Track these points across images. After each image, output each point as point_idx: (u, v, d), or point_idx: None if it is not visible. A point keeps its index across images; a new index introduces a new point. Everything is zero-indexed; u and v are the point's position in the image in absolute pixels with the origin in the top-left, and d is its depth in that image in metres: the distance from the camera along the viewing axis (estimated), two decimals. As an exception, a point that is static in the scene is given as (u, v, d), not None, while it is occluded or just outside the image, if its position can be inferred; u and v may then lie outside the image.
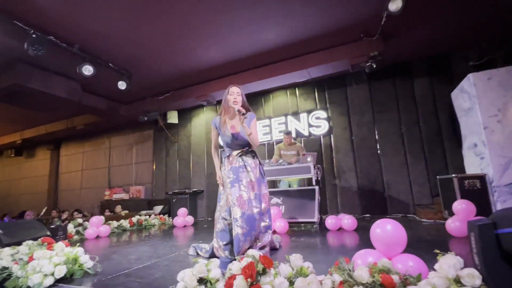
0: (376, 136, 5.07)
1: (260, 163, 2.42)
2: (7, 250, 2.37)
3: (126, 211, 6.20)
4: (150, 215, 5.45)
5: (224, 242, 2.26)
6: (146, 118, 6.15)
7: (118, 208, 6.45)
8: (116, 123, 7.58)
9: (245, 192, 2.24)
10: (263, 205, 2.33)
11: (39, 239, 2.58)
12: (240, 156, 2.37)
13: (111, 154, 8.07)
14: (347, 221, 3.40)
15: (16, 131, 8.31)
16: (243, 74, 5.29)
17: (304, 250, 2.52)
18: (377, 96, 5.15)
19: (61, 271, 2.08)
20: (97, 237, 4.09)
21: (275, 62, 4.98)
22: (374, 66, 4.27)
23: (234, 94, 2.36)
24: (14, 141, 8.41)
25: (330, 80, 5.54)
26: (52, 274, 2.07)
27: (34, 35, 3.56)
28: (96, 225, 4.16)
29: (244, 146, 2.39)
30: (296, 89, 5.87)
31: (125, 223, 4.71)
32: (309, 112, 5.62)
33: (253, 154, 2.43)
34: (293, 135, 5.52)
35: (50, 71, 4.78)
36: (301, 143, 5.43)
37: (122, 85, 4.83)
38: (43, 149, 9.22)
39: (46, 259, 2.16)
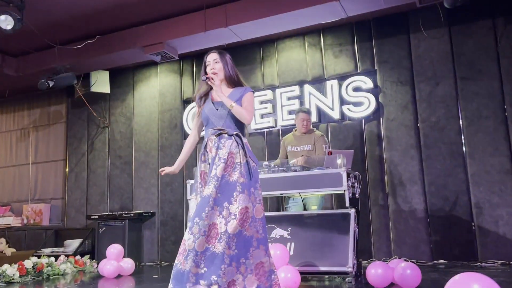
0: (461, 122, 5.08)
1: (246, 156, 2.72)
2: None
3: (14, 250, 6.15)
4: (58, 256, 5.45)
5: None
6: (52, 84, 6.09)
7: (1, 244, 6.40)
8: None
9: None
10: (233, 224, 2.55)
11: None
12: (218, 135, 2.73)
13: (-8, 147, 8.02)
14: (405, 271, 3.37)
15: None
16: (226, 6, 5.26)
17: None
18: (463, 50, 5.14)
19: None
20: (-41, 294, 4.06)
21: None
22: (461, -4, 4.28)
23: (211, 63, 2.81)
24: None
25: (381, 22, 5.54)
26: None
27: None
28: (-43, 274, 4.13)
29: (228, 123, 2.77)
30: (321, 36, 5.86)
31: (11, 270, 4.71)
32: (342, 78, 5.66)
33: (238, 141, 2.73)
34: (313, 118, 5.50)
35: None
36: (325, 132, 5.42)
37: (6, 21, 4.74)
38: None
39: None
